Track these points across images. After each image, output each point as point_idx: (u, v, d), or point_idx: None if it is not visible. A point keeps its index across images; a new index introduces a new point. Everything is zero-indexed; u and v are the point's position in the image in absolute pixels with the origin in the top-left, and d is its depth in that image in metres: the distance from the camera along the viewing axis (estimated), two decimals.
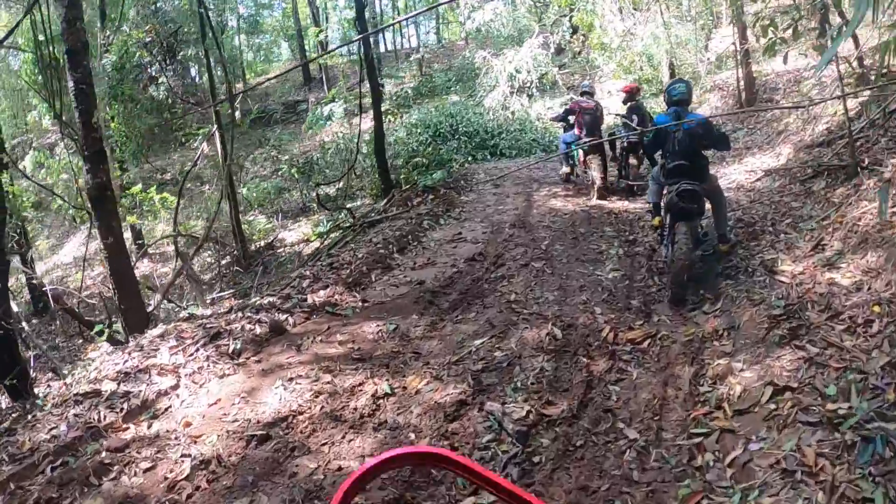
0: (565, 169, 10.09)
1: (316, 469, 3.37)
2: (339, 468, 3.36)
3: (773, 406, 3.20)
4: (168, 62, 15.70)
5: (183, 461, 3.55)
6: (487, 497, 2.86)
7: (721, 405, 3.42)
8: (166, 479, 3.43)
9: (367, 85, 11.13)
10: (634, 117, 9.14)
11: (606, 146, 9.81)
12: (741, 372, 3.64)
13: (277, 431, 3.76)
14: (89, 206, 6.80)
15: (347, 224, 10.08)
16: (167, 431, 3.90)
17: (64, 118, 6.94)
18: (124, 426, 4.04)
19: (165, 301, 8.71)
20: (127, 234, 15.31)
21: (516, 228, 7.66)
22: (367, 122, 11.55)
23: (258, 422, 3.86)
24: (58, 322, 11.31)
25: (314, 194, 12.96)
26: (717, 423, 3.29)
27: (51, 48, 6.73)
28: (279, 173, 15.94)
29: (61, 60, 6.81)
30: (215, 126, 11.19)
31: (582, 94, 9.73)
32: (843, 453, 2.69)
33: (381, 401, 3.98)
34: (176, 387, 4.44)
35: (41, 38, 6.76)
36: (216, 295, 8.55)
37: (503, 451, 3.36)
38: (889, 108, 6.17)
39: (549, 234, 7.33)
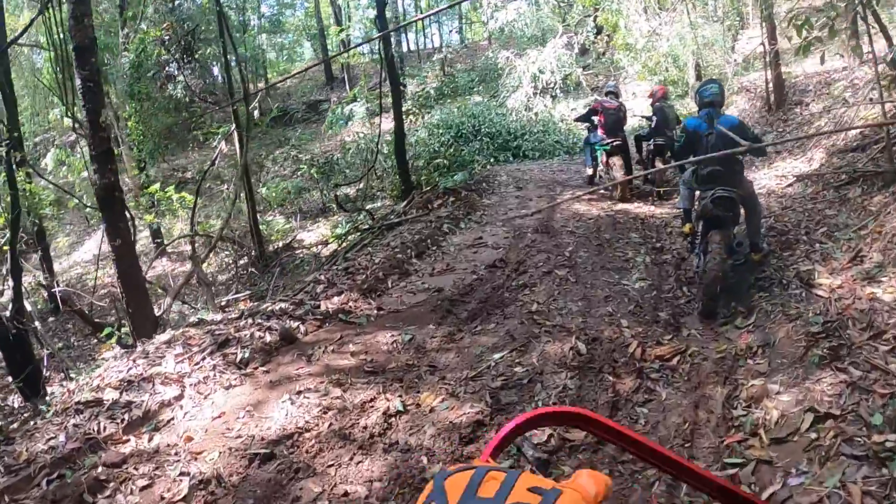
0: (589, 171, 9.84)
1: (320, 494, 3.15)
2: (345, 493, 3.13)
3: (813, 435, 2.92)
4: (186, 60, 15.63)
5: (181, 480, 3.35)
6: None
7: (756, 432, 3.15)
8: (163, 498, 3.24)
9: (388, 84, 10.96)
10: (654, 118, 8.99)
11: (632, 149, 9.60)
12: (778, 395, 3.34)
13: (282, 450, 3.54)
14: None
15: (366, 226, 9.88)
16: (167, 446, 3.71)
17: (77, 116, 6.84)
18: (124, 438, 3.86)
19: (179, 302, 8.60)
20: (145, 233, 15.38)
21: (539, 234, 7.38)
22: (388, 123, 11.39)
23: (262, 439, 3.65)
24: (73, 321, 11.28)
25: (333, 195, 12.81)
26: (753, 451, 3.02)
27: (64, 46, 6.64)
28: (299, 173, 15.84)
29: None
30: (234, 125, 11.08)
31: (606, 94, 9.54)
32: (891, 492, 2.42)
33: (392, 419, 3.74)
34: (180, 397, 4.25)
35: (55, 36, 6.68)
36: (231, 297, 8.41)
37: None
38: None
39: (573, 240, 7.05)
